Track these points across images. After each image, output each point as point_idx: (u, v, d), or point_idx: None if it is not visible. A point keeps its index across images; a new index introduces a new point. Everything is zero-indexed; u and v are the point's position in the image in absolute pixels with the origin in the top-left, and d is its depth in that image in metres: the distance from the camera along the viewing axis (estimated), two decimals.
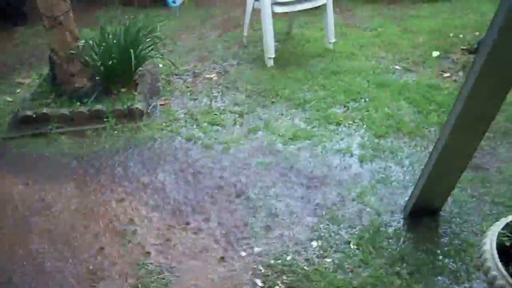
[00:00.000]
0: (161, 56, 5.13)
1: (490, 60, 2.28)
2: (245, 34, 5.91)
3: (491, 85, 2.42)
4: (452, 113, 2.64)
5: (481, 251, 2.16)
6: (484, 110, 2.59)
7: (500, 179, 3.60)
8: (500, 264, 2.05)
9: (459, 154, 2.89)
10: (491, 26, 2.25)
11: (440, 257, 2.92)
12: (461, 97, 2.53)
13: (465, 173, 3.34)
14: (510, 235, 2.22)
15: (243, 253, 2.97)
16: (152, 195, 3.49)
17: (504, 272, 2.02)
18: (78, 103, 4.44)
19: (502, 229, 2.25)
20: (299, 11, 5.53)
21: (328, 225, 3.17)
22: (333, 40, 5.66)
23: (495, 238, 2.17)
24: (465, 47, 5.69)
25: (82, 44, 4.51)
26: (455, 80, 4.94)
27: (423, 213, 3.21)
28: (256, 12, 5.38)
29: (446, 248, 2.98)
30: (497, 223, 2.29)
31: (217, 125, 4.27)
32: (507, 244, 2.19)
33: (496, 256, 2.08)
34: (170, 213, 3.31)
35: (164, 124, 4.31)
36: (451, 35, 6.11)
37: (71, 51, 4.43)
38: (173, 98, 4.76)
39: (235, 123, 4.29)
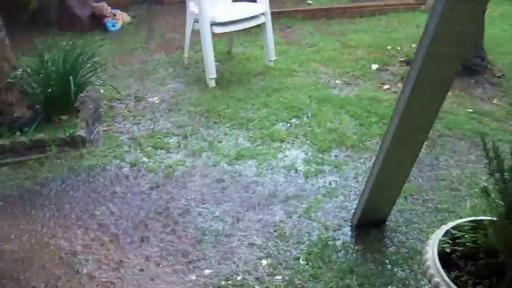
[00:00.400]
0: (102, 82, 5.08)
1: (423, 71, 2.35)
2: (186, 55, 5.92)
3: (426, 96, 2.49)
4: (390, 125, 2.70)
5: (423, 259, 2.21)
6: (420, 120, 2.65)
7: (442, 186, 3.70)
8: (442, 271, 2.10)
9: (400, 164, 2.95)
10: (422, 38, 2.32)
11: (389, 266, 2.97)
12: (398, 109, 2.59)
13: (408, 182, 3.42)
14: (450, 241, 2.28)
15: (193, 277, 2.95)
16: (97, 223, 3.43)
17: (446, 279, 2.06)
18: (19, 133, 4.34)
19: (443, 236, 2.31)
20: (239, 30, 5.58)
21: (276, 242, 3.18)
22: (273, 58, 5.72)
23: (436, 245, 2.23)
24: (403, 59, 5.84)
25: (20, 72, 4.43)
26: (394, 92, 5.06)
27: (369, 224, 3.26)
28: (196, 33, 5.38)
29: (394, 257, 3.03)
30: (438, 231, 2.35)
31: (162, 148, 4.24)
32: (448, 250, 2.24)
33: (438, 263, 2.13)
34: (117, 241, 3.26)
35: (107, 150, 4.25)
36: (389, 48, 6.26)
37: (8, 80, 4.35)
38: (115, 124, 4.71)
39: (179, 146, 4.27)
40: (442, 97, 2.59)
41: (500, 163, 2.04)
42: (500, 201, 2.08)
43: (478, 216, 2.46)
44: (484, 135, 4.29)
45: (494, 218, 2.16)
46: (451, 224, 2.38)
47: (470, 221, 2.37)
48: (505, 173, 2.04)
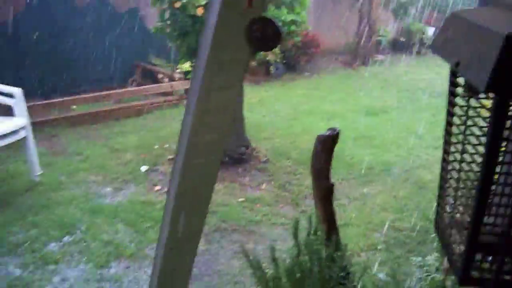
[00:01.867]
0: None
1: (183, 183, 2.39)
2: None
3: (189, 206, 2.52)
4: (161, 235, 2.68)
5: None
6: (189, 228, 2.68)
7: (226, 280, 3.80)
8: None
9: (178, 271, 2.93)
10: (177, 150, 2.37)
11: None
12: (165, 220, 2.59)
13: (191, 283, 3.42)
14: None
15: None
16: None
17: None
18: None
19: None
20: None
21: None
22: (39, 172, 5.46)
23: None
24: (171, 157, 5.94)
25: None
26: (166, 192, 5.09)
27: None
28: None
29: None
30: None
31: None
32: None
33: None
34: None
35: None
36: (156, 147, 6.36)
37: None
38: None
39: None
40: (206, 204, 2.65)
41: (263, 277, 2.12)
42: None
43: None
44: (255, 223, 4.54)
45: None
46: None
47: None
48: (269, 283, 2.12)
